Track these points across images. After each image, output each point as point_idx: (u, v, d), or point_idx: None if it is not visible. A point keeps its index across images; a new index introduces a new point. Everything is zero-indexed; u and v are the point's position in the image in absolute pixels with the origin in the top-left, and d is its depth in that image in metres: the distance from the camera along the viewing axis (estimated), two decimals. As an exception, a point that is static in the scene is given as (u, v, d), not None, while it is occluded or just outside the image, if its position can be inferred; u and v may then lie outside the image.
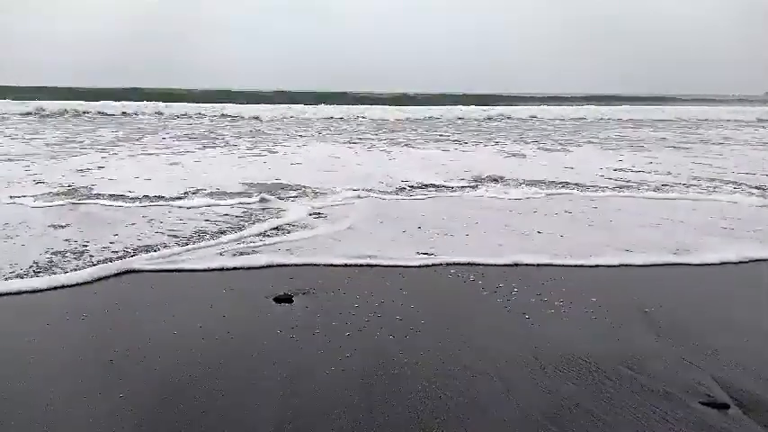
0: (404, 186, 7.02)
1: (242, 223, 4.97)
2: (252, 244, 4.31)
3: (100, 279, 3.53)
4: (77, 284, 3.43)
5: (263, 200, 5.88)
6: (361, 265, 3.87)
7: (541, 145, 12.86)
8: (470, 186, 7.10)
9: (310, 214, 5.33)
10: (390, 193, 6.61)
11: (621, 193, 6.75)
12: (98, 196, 6.12)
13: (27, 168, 8.05)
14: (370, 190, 6.68)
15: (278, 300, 3.22)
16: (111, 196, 6.10)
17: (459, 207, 5.84)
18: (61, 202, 5.74)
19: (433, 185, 7.12)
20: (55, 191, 6.38)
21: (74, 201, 5.84)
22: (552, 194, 6.59)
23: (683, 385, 2.34)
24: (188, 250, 4.11)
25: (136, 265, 3.74)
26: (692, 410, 2.17)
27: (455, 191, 6.81)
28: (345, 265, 3.86)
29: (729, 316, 3.18)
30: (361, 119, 21.47)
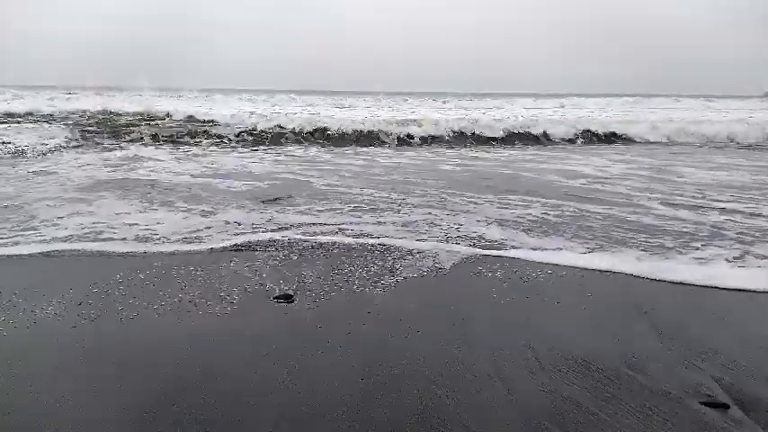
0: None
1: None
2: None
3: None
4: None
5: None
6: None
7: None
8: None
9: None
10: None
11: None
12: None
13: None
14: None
15: (278, 299, 3.23)
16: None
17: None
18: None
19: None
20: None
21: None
22: None
23: (683, 385, 2.34)
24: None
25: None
26: (692, 410, 2.17)
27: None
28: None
29: (730, 316, 3.19)
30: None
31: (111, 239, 4.49)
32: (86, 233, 4.64)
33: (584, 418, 2.11)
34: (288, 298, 3.24)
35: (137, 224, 4.96)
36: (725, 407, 2.19)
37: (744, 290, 3.51)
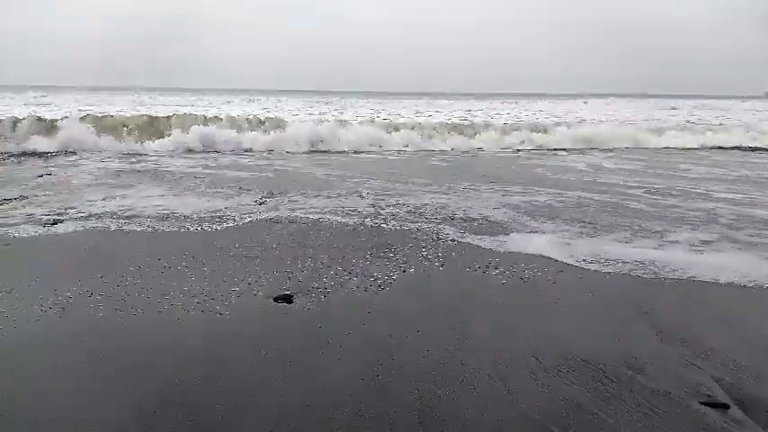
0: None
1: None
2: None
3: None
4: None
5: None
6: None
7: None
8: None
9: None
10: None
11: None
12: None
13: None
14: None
15: (277, 300, 3.23)
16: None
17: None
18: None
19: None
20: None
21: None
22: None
23: (683, 385, 2.34)
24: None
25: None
26: (692, 410, 2.16)
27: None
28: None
29: (730, 316, 3.18)
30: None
31: (142, 216, 5.17)
32: (122, 211, 5.37)
33: (584, 417, 2.11)
34: (288, 299, 3.24)
35: (161, 205, 5.71)
36: (725, 407, 2.19)
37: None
